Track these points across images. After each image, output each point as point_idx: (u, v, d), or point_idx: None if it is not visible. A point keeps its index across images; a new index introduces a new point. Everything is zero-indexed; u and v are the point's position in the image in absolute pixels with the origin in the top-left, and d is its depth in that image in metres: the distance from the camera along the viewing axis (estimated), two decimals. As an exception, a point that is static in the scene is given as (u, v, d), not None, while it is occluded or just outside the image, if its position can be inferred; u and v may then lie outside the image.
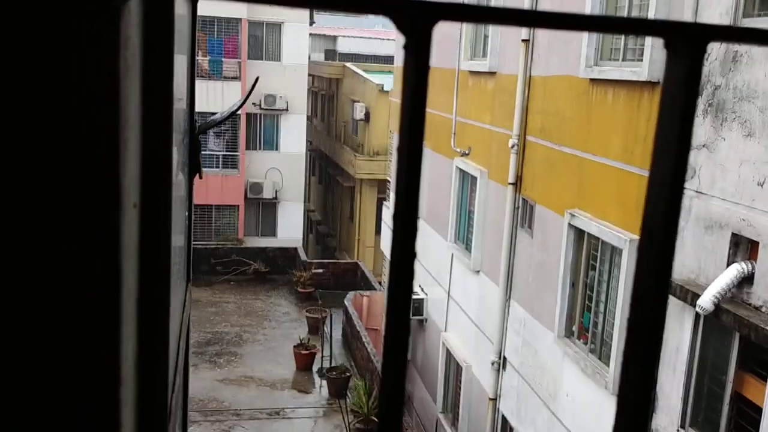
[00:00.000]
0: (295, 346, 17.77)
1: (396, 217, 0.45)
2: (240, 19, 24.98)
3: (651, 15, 7.26)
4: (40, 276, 0.52)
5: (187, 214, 1.92)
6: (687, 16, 6.73)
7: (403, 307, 0.45)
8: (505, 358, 10.85)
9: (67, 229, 0.51)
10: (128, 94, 0.59)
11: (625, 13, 8.08)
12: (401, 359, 0.44)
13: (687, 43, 0.45)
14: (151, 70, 0.75)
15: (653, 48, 7.24)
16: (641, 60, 7.56)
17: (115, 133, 0.50)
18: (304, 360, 17.52)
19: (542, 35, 9.89)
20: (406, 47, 0.42)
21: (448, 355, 13.17)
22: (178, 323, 1.57)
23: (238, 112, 24.92)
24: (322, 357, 17.46)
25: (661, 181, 0.47)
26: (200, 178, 2.00)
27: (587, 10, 8.49)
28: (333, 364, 17.16)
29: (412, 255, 0.46)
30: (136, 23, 0.68)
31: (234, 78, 25.06)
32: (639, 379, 0.48)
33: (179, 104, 1.66)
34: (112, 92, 0.49)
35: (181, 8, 1.54)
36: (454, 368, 13.00)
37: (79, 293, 0.54)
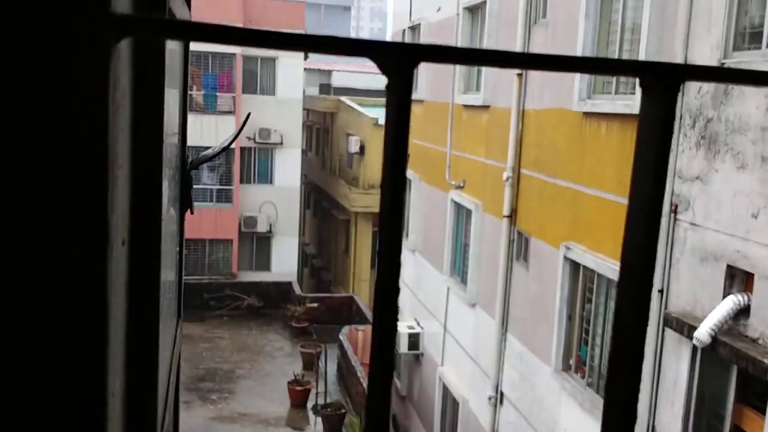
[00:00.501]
0: (289, 382, 17.57)
1: (380, 254, 0.44)
2: (234, 54, 25.22)
3: (642, 48, 7.35)
4: (24, 310, 0.51)
5: (178, 249, 1.91)
6: (678, 50, 6.82)
7: (389, 339, 0.44)
8: (502, 393, 10.75)
9: (54, 265, 0.51)
10: (117, 133, 0.59)
11: (616, 47, 8.18)
12: (386, 388, 0.43)
13: (661, 82, 0.44)
14: (142, 109, 0.75)
15: (644, 82, 7.31)
16: (633, 93, 7.63)
17: (104, 172, 0.51)
18: (299, 396, 17.32)
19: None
20: (388, 88, 0.42)
21: (445, 389, 13.04)
22: (168, 359, 1.55)
23: (232, 146, 25.03)
24: (317, 393, 17.27)
25: (638, 215, 0.46)
26: (191, 213, 1.99)
27: (579, 44, 8.60)
28: (328, 401, 16.97)
29: (396, 293, 0.45)
30: (127, 63, 0.68)
31: (228, 112, 25.20)
32: (622, 408, 0.47)
33: (171, 139, 1.66)
34: (100, 132, 0.49)
35: (172, 43, 1.56)
36: (450, 403, 12.87)
37: (65, 329, 0.53)
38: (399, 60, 0.41)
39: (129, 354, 0.82)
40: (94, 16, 0.46)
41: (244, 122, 3.26)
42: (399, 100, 0.41)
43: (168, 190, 1.60)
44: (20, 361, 0.52)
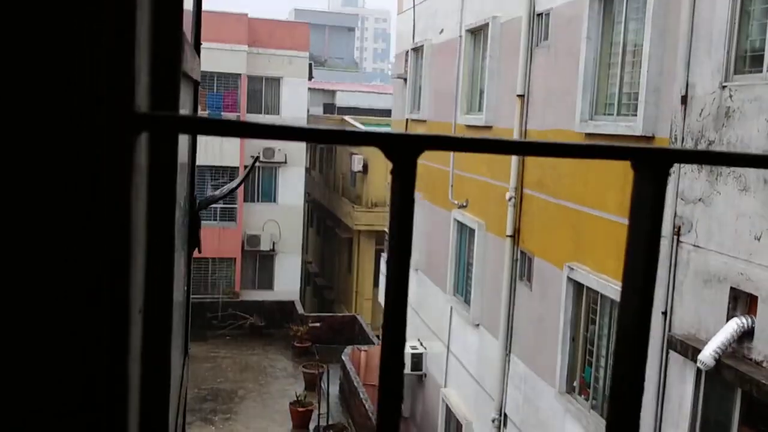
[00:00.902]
0: (291, 403, 17.49)
1: (385, 326, 0.45)
2: (240, 74, 25.39)
3: (644, 71, 7.38)
4: (46, 393, 0.54)
5: (185, 288, 1.92)
6: (679, 73, 6.85)
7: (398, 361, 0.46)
8: (505, 415, 10.69)
9: (76, 339, 0.54)
10: (137, 215, 0.62)
11: (618, 69, 8.22)
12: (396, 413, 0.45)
13: (651, 165, 0.45)
14: (157, 186, 0.78)
15: (647, 103, 7.35)
16: (635, 115, 7.66)
17: (127, 250, 0.54)
18: (301, 417, 17.22)
19: (537, 90, 10.05)
20: (392, 173, 0.45)
21: (448, 411, 12.97)
22: (175, 403, 1.56)
23: (236, 164, 25.13)
24: (319, 414, 17.17)
25: (631, 293, 0.47)
26: (199, 252, 2.00)
27: (581, 66, 8.65)
28: (330, 422, 16.87)
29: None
30: (144, 147, 0.72)
31: (233, 132, 25.29)
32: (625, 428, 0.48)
33: (181, 185, 1.69)
34: (124, 216, 0.53)
35: (182, 99, 1.58)
36: (454, 425, 12.78)
37: (89, 404, 0.55)
38: (403, 149, 0.43)
39: (142, 406, 0.84)
40: (119, 115, 0.50)
41: (253, 164, 3.29)
42: (403, 186, 0.43)
43: (178, 233, 1.62)
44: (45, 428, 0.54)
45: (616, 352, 0.51)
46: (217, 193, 2.72)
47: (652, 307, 0.49)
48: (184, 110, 1.63)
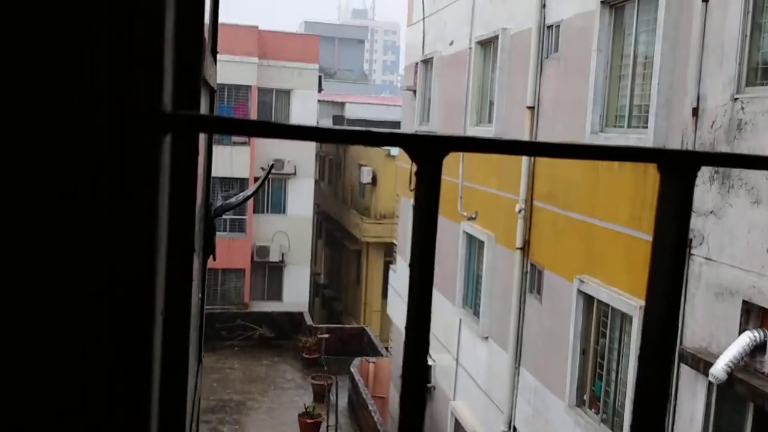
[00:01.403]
0: (299, 415, 17.44)
1: (407, 344, 0.45)
2: (250, 86, 25.52)
3: (654, 83, 7.38)
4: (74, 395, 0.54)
5: (200, 295, 1.93)
6: (690, 85, 6.83)
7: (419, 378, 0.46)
8: (515, 428, 10.61)
9: (107, 341, 0.55)
10: (162, 216, 0.63)
11: (629, 81, 8.21)
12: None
13: (678, 168, 0.45)
14: (178, 187, 0.79)
15: (658, 116, 7.33)
16: (646, 127, 7.64)
17: (153, 249, 0.54)
18: (309, 429, 17.16)
19: (547, 102, 10.05)
20: (417, 174, 0.45)
21: (457, 424, 12.89)
22: (189, 408, 1.56)
23: (246, 176, 25.20)
24: (328, 426, 17.11)
25: (656, 299, 0.47)
26: (214, 260, 2.01)
27: (591, 78, 8.64)
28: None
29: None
30: (168, 146, 0.73)
31: (243, 143, 25.43)
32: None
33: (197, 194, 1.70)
34: (151, 216, 0.54)
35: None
36: (462, 437, 12.71)
37: (112, 406, 0.56)
38: (428, 150, 0.43)
39: (161, 410, 0.85)
40: (148, 116, 0.51)
41: (268, 172, 3.31)
42: (428, 188, 0.43)
43: (195, 238, 1.64)
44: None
45: (640, 357, 0.51)
46: (233, 200, 2.73)
47: (678, 311, 0.49)
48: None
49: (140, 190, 0.52)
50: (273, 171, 26.19)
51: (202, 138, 1.77)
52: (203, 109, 1.57)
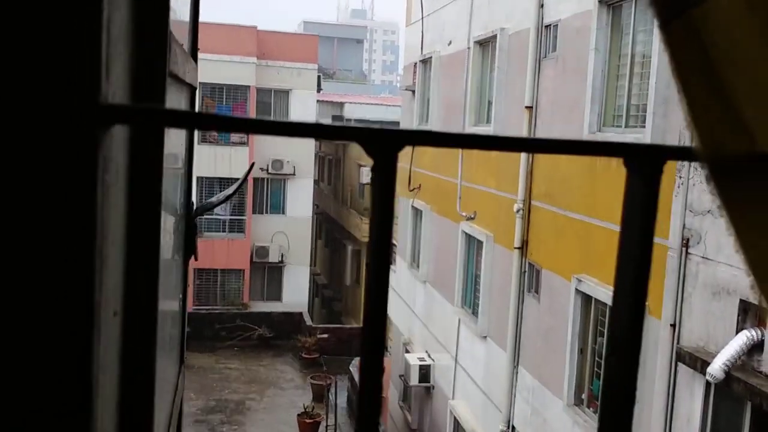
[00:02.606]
0: (299, 415, 17.45)
1: (364, 337, 0.45)
2: (248, 86, 25.52)
3: (652, 82, 7.38)
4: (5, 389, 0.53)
5: (181, 296, 1.92)
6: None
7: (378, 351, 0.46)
8: (513, 428, 10.62)
9: (41, 341, 0.53)
10: (109, 212, 0.62)
11: (626, 80, 8.22)
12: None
13: (644, 162, 0.46)
14: (139, 183, 0.78)
15: (655, 114, 7.34)
16: (644, 126, 7.65)
17: (91, 251, 0.53)
18: (309, 429, 17.17)
19: (545, 101, 10.06)
20: (373, 170, 0.44)
21: (456, 423, 12.90)
22: (167, 410, 1.55)
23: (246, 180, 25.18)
24: (327, 426, 17.12)
25: (623, 295, 0.47)
26: (195, 260, 2.01)
27: (589, 77, 8.65)
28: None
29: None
30: (121, 145, 0.72)
31: (242, 144, 25.43)
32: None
33: (176, 191, 1.69)
34: (87, 213, 0.52)
35: (176, 101, 1.59)
36: (461, 437, 12.72)
37: (49, 405, 0.54)
38: (384, 145, 0.43)
39: (123, 410, 0.83)
40: (82, 109, 0.49)
41: (248, 171, 3.31)
42: (384, 183, 0.43)
43: (172, 239, 1.62)
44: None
45: (606, 357, 0.51)
46: (213, 199, 2.73)
47: (644, 309, 0.49)
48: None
49: (74, 184, 0.51)
50: (272, 171, 26.18)
51: (180, 135, 1.76)
52: (177, 106, 1.56)
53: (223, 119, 0.44)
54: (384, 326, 0.47)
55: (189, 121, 0.45)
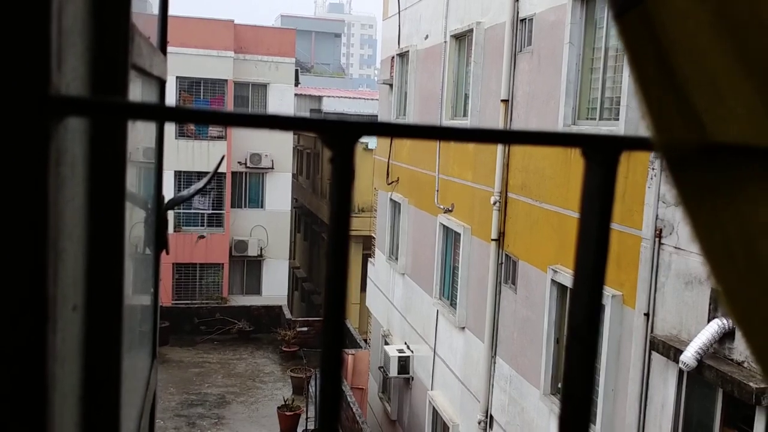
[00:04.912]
0: (279, 408, 17.45)
1: (325, 320, 0.48)
2: (226, 80, 25.35)
3: (626, 78, 7.49)
4: None
5: (153, 290, 1.93)
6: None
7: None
8: (491, 417, 10.74)
9: None
10: (64, 206, 0.61)
11: (600, 74, 8.32)
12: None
13: (601, 153, 0.50)
14: (100, 175, 0.79)
15: (629, 107, 7.44)
16: (617, 119, 7.76)
17: (42, 244, 0.52)
18: (289, 421, 17.19)
19: (521, 94, 10.14)
20: (331, 160, 0.47)
21: (435, 414, 13.00)
22: (139, 404, 1.56)
23: (224, 171, 25.05)
24: (307, 418, 17.15)
25: (582, 282, 0.51)
26: (167, 254, 2.03)
27: (563, 70, 8.74)
28: (318, 426, 16.82)
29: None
30: (79, 137, 0.72)
31: (219, 137, 25.27)
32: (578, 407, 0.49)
33: (147, 183, 1.70)
34: (38, 205, 0.51)
35: (146, 95, 1.60)
36: (440, 427, 12.82)
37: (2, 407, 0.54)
38: (340, 136, 0.46)
39: (86, 407, 0.82)
40: (29, 101, 0.49)
41: (219, 164, 3.33)
42: (341, 172, 0.46)
43: (144, 230, 1.64)
44: None
45: (567, 346, 0.53)
46: (184, 193, 2.75)
47: (602, 298, 0.53)
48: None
49: (23, 176, 0.50)
50: (251, 165, 26.05)
51: (150, 128, 1.77)
52: (145, 99, 1.56)
53: (182, 111, 0.45)
54: (343, 318, 0.49)
55: (146, 112, 0.47)
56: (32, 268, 0.52)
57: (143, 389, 1.68)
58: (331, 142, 0.45)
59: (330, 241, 0.46)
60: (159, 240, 1.91)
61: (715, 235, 0.47)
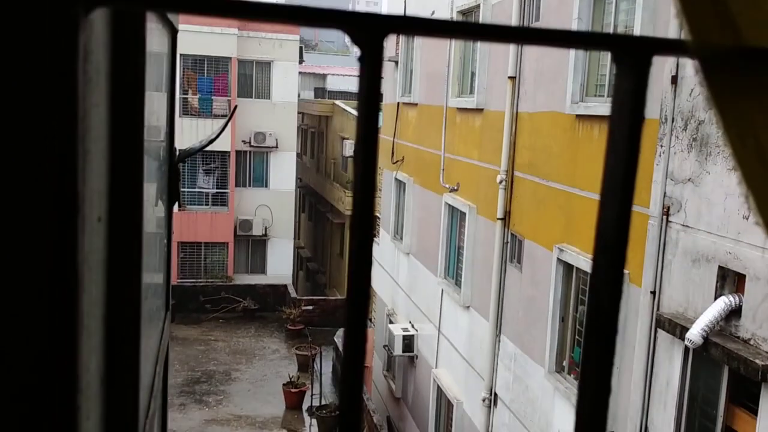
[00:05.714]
0: (284, 384, 17.57)
1: (353, 227, 0.45)
2: (230, 57, 25.22)
3: (637, 26, 7.37)
4: None
5: (166, 241, 1.92)
6: (671, 31, 6.84)
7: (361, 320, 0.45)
8: (496, 395, 10.77)
9: (20, 238, 0.52)
10: (89, 107, 0.60)
11: (608, 55, 8.21)
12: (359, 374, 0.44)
13: (633, 55, 0.46)
14: (120, 85, 0.77)
15: (637, 84, 7.35)
16: (625, 96, 7.66)
17: (73, 142, 0.52)
18: (294, 398, 17.31)
19: (528, 71, 10.04)
20: (360, 59, 0.43)
21: (439, 392, 13.05)
22: (154, 349, 1.56)
23: (228, 149, 25.00)
24: (312, 395, 17.26)
25: (612, 192, 0.48)
26: (179, 207, 2.01)
27: (571, 55, 8.64)
28: (323, 402, 16.96)
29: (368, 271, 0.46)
30: (102, 37, 0.69)
31: (224, 116, 25.18)
32: (596, 384, 0.48)
33: (158, 134, 1.67)
34: (68, 103, 0.51)
35: (159, 43, 1.57)
36: (445, 405, 12.87)
37: (34, 304, 0.54)
38: (370, 31, 0.42)
39: (108, 330, 0.83)
40: None
41: (232, 113, 3.31)
42: (370, 71, 0.43)
43: (156, 181, 1.61)
44: None
45: (594, 258, 0.50)
46: (195, 144, 2.74)
47: (631, 209, 0.50)
48: (161, 53, 1.61)
49: (54, 73, 0.49)
50: (255, 144, 26.00)
51: (158, 70, 1.74)
52: (162, 48, 1.54)
53: (202, 1, 0.42)
54: (371, 243, 0.45)
55: (183, 3, 0.44)
56: (63, 160, 0.51)
57: (158, 338, 1.68)
58: (360, 37, 0.41)
59: (357, 148, 0.43)
60: (172, 192, 1.89)
61: (748, 140, 0.46)
